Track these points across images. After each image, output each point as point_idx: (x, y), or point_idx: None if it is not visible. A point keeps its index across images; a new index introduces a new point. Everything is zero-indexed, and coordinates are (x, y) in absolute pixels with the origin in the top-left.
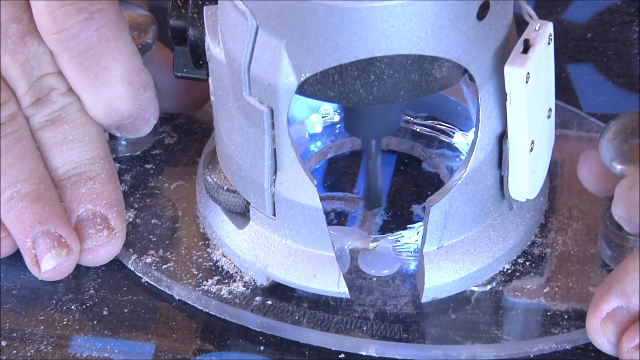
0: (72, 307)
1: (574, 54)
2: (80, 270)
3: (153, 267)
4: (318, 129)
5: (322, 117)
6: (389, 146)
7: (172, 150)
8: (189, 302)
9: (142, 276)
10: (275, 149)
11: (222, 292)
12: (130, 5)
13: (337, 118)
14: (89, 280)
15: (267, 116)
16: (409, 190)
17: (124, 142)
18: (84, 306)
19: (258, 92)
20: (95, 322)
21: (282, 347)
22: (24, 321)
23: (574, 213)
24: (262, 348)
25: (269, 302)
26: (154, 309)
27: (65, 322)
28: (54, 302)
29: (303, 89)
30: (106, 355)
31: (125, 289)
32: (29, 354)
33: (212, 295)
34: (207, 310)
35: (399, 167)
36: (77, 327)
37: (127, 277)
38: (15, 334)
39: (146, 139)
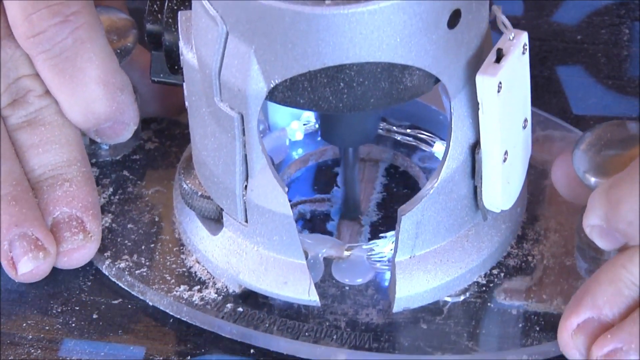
0: (62, 310)
1: (563, 56)
2: (69, 273)
3: (126, 272)
4: (299, 136)
5: (304, 125)
6: (370, 155)
7: (153, 155)
8: (161, 308)
9: (115, 280)
10: (246, 155)
11: (193, 299)
12: (110, 9)
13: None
14: (79, 283)
15: (238, 122)
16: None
17: (105, 147)
18: (74, 310)
19: (229, 97)
20: (85, 325)
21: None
22: (14, 325)
23: (551, 224)
24: (252, 351)
25: (240, 309)
26: (144, 312)
27: (55, 326)
28: (43, 305)
29: (273, 96)
30: (96, 358)
31: (115, 292)
32: (19, 358)
33: (184, 302)
34: (178, 317)
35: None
36: (67, 330)
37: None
38: (5, 338)
39: (127, 144)
